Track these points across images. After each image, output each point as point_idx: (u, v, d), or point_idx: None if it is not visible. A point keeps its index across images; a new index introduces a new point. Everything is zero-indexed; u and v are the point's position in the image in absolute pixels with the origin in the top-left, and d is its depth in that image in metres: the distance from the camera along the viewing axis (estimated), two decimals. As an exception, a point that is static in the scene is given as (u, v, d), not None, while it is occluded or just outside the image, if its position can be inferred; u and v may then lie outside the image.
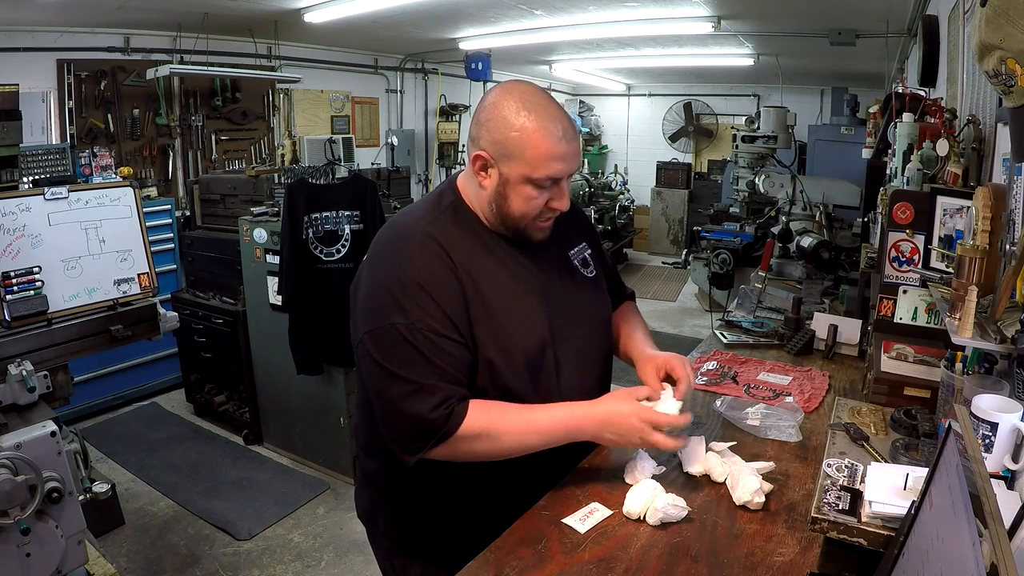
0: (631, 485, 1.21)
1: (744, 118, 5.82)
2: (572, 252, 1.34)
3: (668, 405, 1.21)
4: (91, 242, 2.13)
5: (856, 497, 0.96)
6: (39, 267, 1.97)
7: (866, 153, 3.49)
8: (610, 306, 1.43)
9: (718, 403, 1.58)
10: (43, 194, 2.04)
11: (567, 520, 1.13)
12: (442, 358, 1.11)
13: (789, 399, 1.64)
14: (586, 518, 1.14)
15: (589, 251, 1.38)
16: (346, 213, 3.01)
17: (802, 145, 7.01)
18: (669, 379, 1.27)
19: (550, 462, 1.24)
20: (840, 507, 0.94)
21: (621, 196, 8.49)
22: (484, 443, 1.13)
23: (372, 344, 1.12)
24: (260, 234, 3.18)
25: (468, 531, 1.20)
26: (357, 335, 1.16)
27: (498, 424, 1.13)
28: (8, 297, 1.89)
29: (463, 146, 7.64)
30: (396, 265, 1.14)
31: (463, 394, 1.13)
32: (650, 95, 9.71)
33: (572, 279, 1.31)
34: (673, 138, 9.40)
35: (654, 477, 1.22)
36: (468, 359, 1.14)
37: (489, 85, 7.16)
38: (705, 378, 1.79)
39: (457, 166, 7.53)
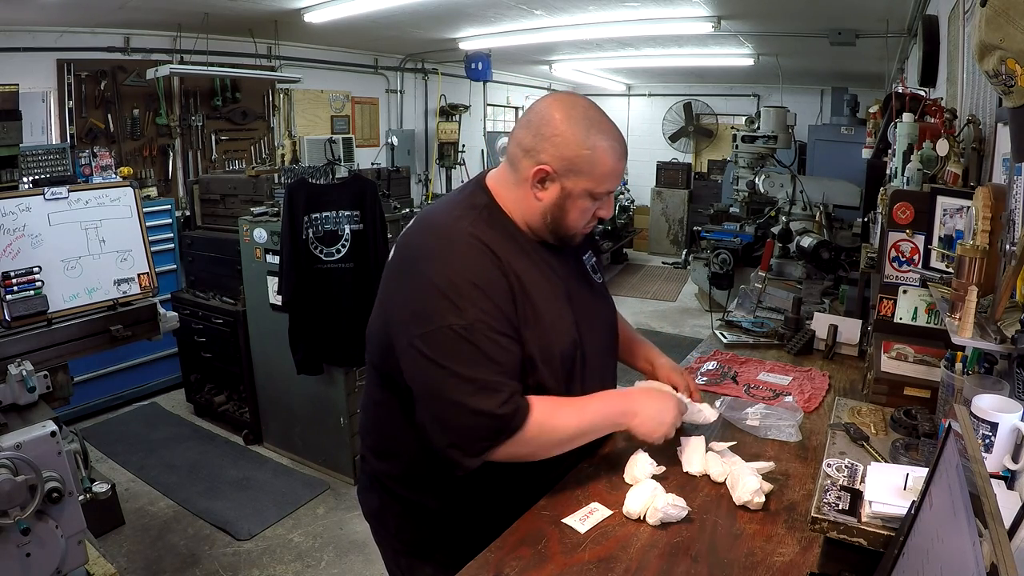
0: (631, 485, 1.21)
1: (744, 118, 5.82)
2: (584, 258, 1.38)
3: (705, 412, 1.39)
4: (91, 242, 2.13)
5: (856, 497, 0.96)
6: (39, 267, 1.97)
7: (866, 153, 3.48)
8: (616, 311, 1.47)
9: (718, 403, 1.58)
10: (43, 194, 2.04)
11: (567, 520, 1.13)
12: (502, 355, 1.11)
13: (789, 399, 1.64)
14: (586, 518, 1.14)
15: (594, 259, 1.43)
16: (346, 213, 3.01)
17: (802, 145, 7.01)
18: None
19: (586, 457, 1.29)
20: (840, 507, 0.94)
21: (621, 196, 8.49)
22: (545, 438, 1.15)
23: (426, 347, 1.09)
24: (260, 234, 3.18)
25: (482, 533, 1.19)
26: (405, 340, 1.12)
27: (557, 418, 1.16)
28: (8, 297, 1.89)
29: (463, 146, 7.62)
30: (445, 266, 1.11)
31: (521, 390, 1.14)
32: (650, 95, 9.71)
33: (588, 283, 1.35)
34: (673, 138, 9.40)
35: (654, 477, 1.23)
36: (521, 356, 1.15)
37: (489, 85, 7.18)
38: (705, 378, 1.79)
39: (457, 166, 7.52)
